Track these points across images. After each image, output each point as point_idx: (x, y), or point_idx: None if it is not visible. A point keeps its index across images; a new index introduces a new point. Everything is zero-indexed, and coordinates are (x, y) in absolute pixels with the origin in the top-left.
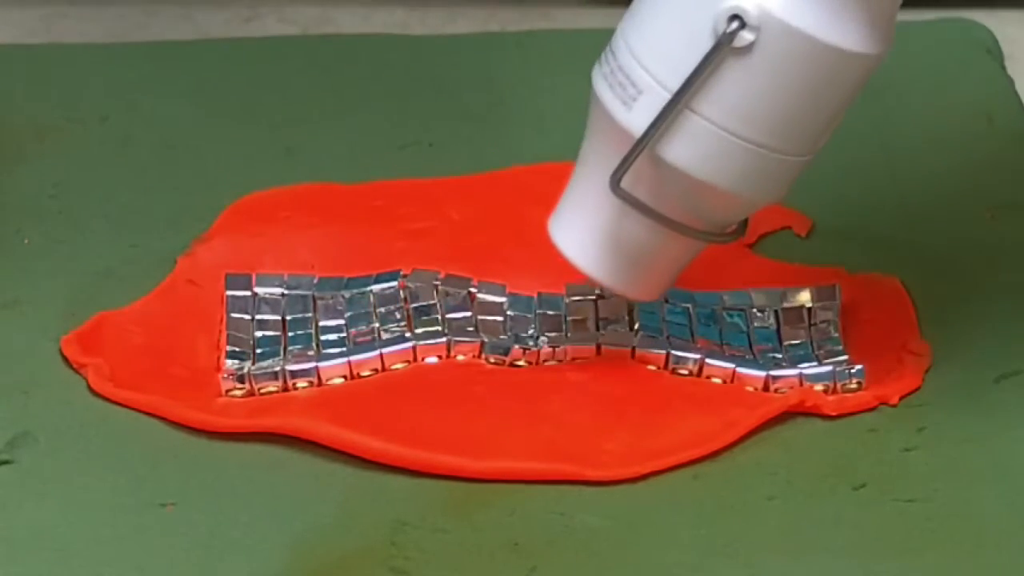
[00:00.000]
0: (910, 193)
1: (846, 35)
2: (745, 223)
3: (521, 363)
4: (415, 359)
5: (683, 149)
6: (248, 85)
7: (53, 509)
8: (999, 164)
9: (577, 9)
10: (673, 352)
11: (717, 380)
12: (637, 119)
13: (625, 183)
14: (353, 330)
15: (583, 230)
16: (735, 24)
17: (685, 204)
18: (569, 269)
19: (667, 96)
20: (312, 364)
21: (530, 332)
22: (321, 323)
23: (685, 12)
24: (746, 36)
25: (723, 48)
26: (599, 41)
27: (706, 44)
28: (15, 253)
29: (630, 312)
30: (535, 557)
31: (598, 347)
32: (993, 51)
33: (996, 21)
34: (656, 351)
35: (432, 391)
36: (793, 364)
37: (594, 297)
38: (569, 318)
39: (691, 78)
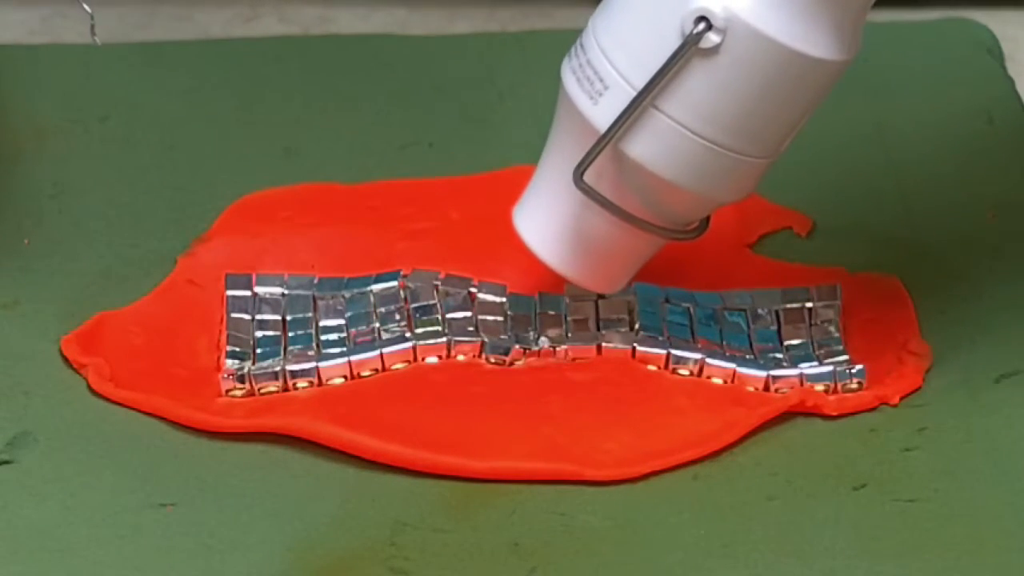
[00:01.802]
0: (910, 193)
1: (812, 41)
2: (707, 221)
3: (521, 363)
4: (415, 359)
5: (646, 146)
6: (248, 85)
7: (53, 509)
8: (999, 164)
9: (577, 9)
10: (673, 352)
11: (717, 380)
12: (602, 114)
13: (588, 177)
14: (353, 330)
15: (545, 220)
16: (702, 25)
17: (647, 200)
18: None
19: (632, 93)
20: (312, 364)
21: (530, 332)
22: (321, 323)
23: (654, 11)
24: (712, 38)
25: (689, 48)
26: None
27: (673, 44)
28: (15, 253)
29: (630, 312)
30: (535, 557)
31: (598, 347)
32: (993, 51)
33: (996, 21)
34: (656, 351)
35: (432, 391)
36: (794, 364)
37: (594, 297)
38: (569, 318)
39: (657, 76)
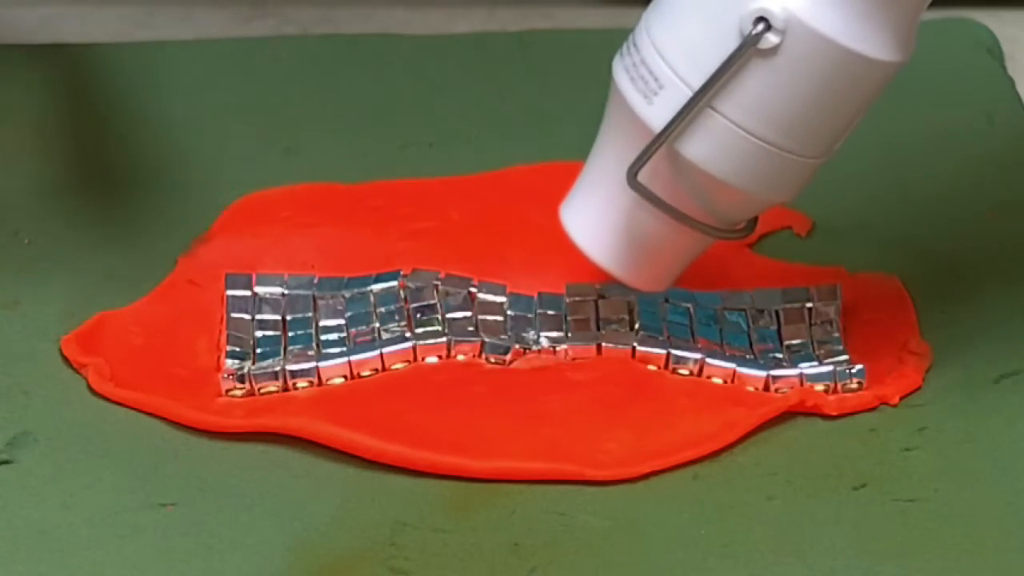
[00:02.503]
0: (911, 193)
1: (869, 42)
2: (755, 221)
3: (521, 363)
4: (415, 359)
5: (702, 146)
6: (248, 85)
7: (53, 509)
8: (999, 164)
9: (578, 8)
10: (673, 352)
11: (717, 380)
12: (657, 114)
13: (641, 176)
14: (353, 330)
15: (595, 219)
16: (761, 26)
17: (699, 200)
18: (569, 269)
19: (689, 93)
20: (312, 364)
21: (530, 332)
22: (321, 323)
23: (711, 11)
24: (771, 38)
25: (748, 49)
26: (600, 40)
27: (731, 44)
28: (15, 253)
29: (630, 312)
30: (535, 557)
31: (598, 347)
32: (993, 51)
33: (996, 21)
34: (656, 351)
35: (432, 391)
36: (794, 364)
37: (594, 297)
38: (569, 318)
39: (714, 77)
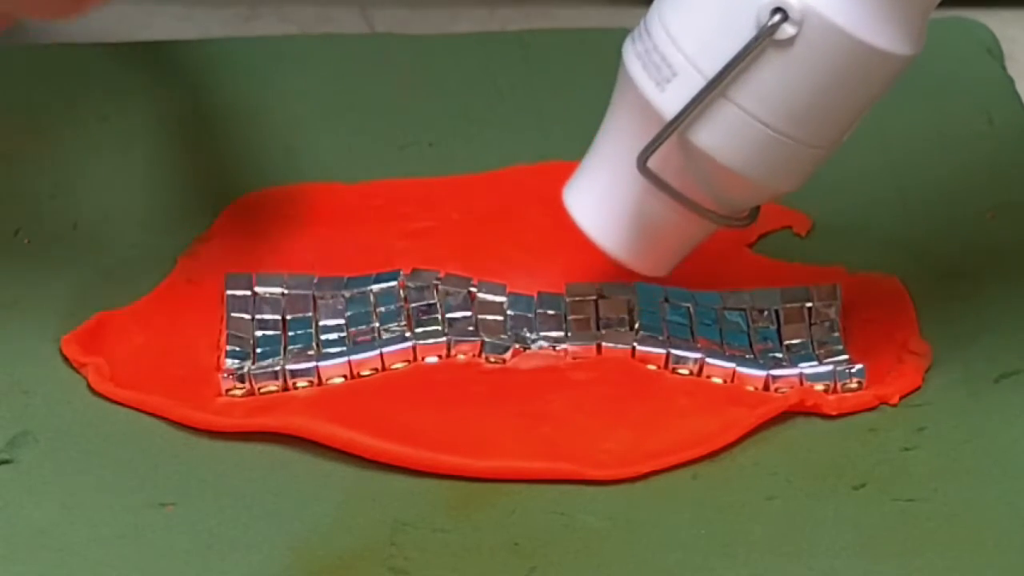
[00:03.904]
0: (910, 193)
1: (883, 35)
2: (757, 209)
3: (521, 363)
4: (415, 359)
5: (713, 135)
6: (248, 85)
7: (53, 509)
8: (999, 164)
9: (579, 8)
10: (673, 352)
11: (717, 380)
12: (670, 101)
13: (650, 162)
14: (353, 330)
15: (599, 202)
16: (778, 17)
17: (706, 187)
18: (569, 269)
19: (702, 81)
20: (312, 364)
21: (530, 332)
22: (321, 323)
23: (728, 1)
24: (788, 29)
25: (763, 39)
26: (601, 40)
27: (747, 34)
28: (15, 253)
29: (630, 312)
30: (535, 557)
31: (598, 347)
32: (993, 51)
33: (996, 21)
34: (656, 351)
35: (432, 391)
36: (793, 364)
37: (594, 297)
38: (569, 318)
39: (729, 66)
